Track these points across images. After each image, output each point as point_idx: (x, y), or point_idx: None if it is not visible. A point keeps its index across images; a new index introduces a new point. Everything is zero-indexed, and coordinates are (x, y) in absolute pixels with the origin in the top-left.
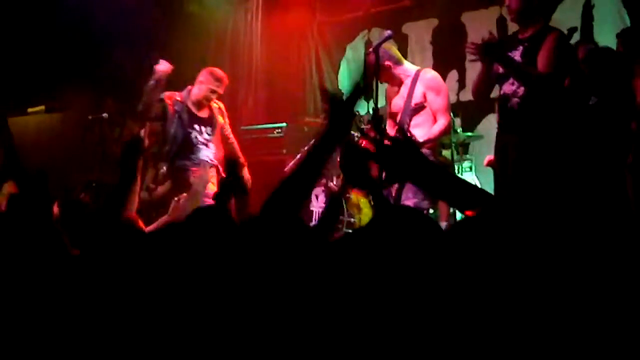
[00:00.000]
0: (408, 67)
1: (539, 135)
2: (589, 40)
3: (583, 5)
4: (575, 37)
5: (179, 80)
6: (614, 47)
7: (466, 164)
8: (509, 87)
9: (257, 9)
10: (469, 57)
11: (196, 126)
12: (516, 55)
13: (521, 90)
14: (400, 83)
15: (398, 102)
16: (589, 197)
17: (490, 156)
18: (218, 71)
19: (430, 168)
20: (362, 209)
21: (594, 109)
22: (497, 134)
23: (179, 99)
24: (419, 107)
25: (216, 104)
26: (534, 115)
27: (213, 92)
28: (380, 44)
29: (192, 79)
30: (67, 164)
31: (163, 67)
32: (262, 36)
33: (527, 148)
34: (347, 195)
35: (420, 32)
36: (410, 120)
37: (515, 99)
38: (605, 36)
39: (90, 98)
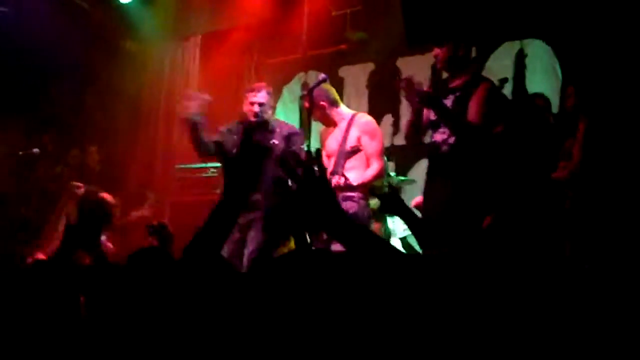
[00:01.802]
0: (343, 111)
1: (468, 178)
2: (521, 90)
3: (516, 54)
4: (508, 87)
5: (113, 117)
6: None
7: None
8: (439, 135)
9: (195, 48)
10: (402, 94)
11: None
12: (447, 103)
13: (452, 139)
14: (334, 124)
15: (332, 145)
16: (521, 237)
17: (418, 198)
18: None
19: (341, 218)
20: None
21: (528, 154)
22: (426, 179)
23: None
24: (354, 151)
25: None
26: (463, 161)
27: (252, 103)
28: (314, 87)
29: (127, 117)
30: None
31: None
32: (199, 76)
33: (456, 189)
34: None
35: (356, 75)
36: (345, 163)
37: (445, 147)
38: (538, 86)
39: (22, 133)
